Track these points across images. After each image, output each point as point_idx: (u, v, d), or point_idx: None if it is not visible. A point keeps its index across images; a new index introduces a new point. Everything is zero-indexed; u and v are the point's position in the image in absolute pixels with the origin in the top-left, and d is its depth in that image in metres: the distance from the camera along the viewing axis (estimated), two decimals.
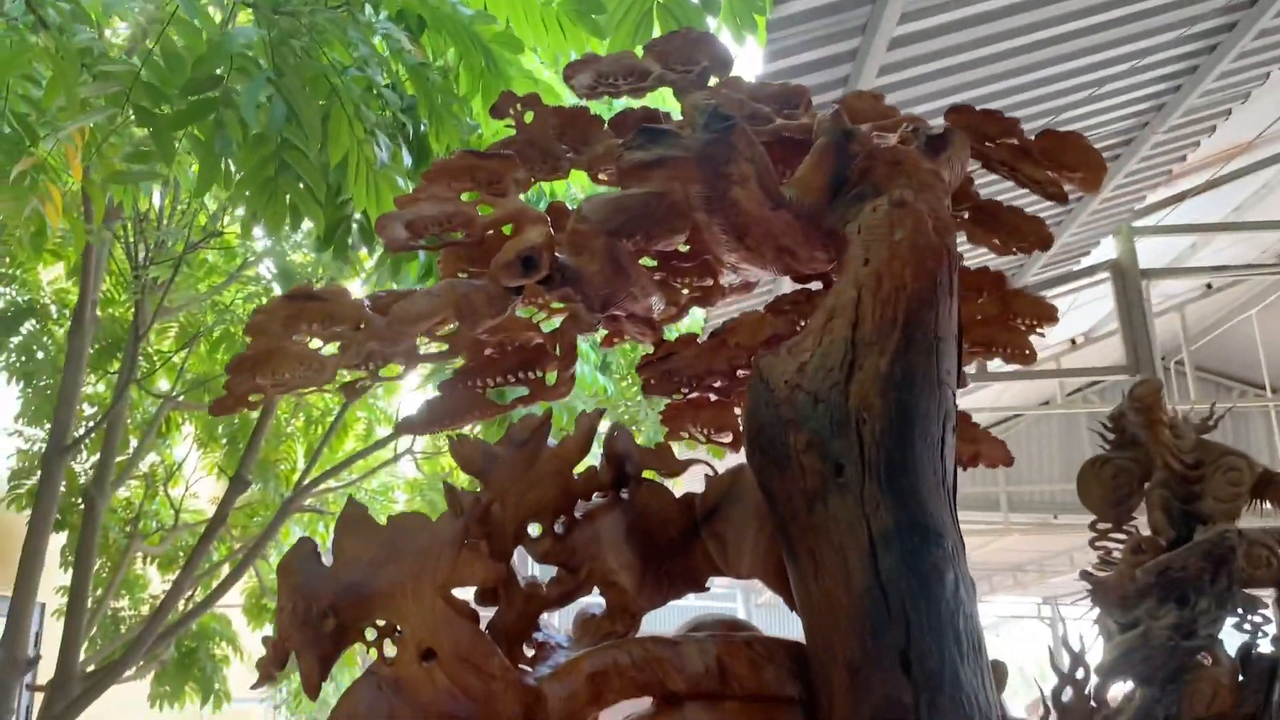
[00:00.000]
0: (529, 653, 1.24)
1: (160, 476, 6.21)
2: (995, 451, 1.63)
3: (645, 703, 1.20)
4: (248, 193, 2.20)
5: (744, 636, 1.21)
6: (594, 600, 1.30)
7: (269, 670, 1.16)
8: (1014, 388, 9.56)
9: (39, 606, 6.46)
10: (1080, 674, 2.68)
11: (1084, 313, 8.75)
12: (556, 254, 1.30)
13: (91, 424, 4.74)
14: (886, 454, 1.14)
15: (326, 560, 1.16)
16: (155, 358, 5.65)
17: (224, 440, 6.03)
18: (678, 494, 1.35)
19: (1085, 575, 2.75)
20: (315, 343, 1.29)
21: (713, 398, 1.55)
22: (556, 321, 1.40)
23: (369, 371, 1.29)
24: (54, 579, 5.16)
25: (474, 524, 1.17)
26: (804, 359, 1.22)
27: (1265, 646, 2.65)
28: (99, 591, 5.15)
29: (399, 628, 1.14)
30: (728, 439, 1.55)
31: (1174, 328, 9.17)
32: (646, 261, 1.49)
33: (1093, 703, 2.65)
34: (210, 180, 2.16)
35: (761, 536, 1.27)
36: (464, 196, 1.33)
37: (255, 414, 5.05)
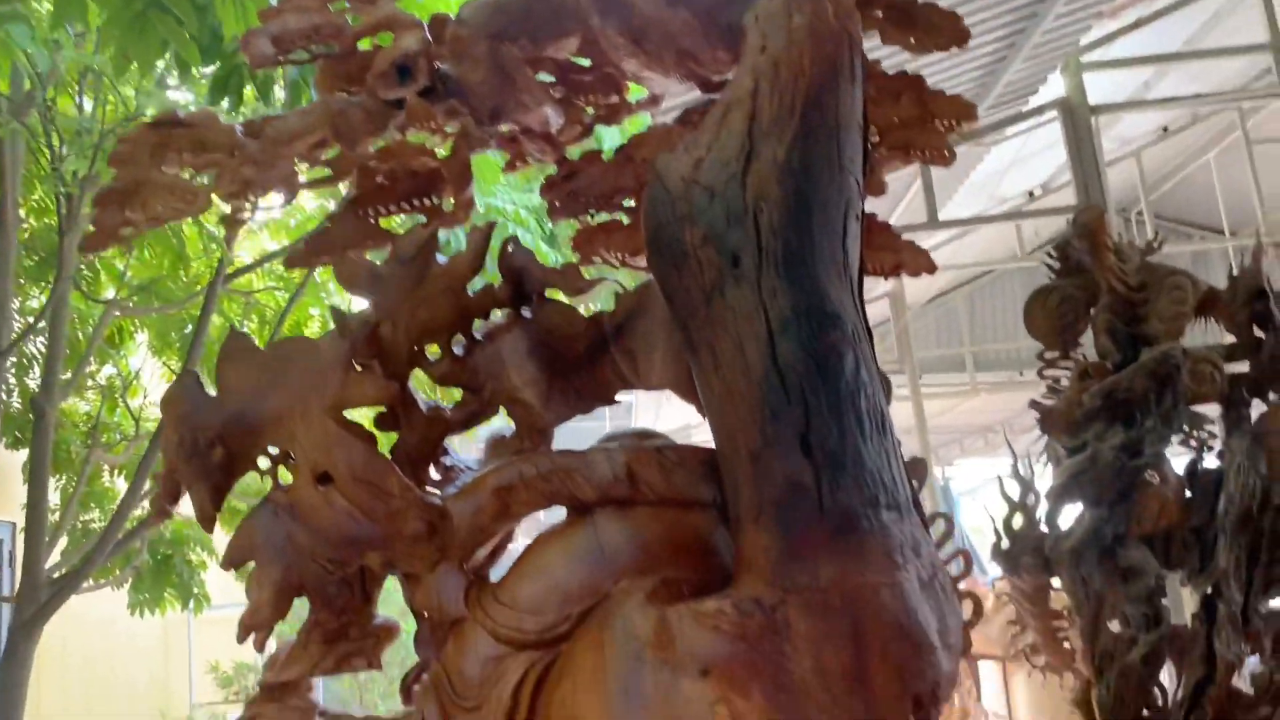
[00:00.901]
0: (436, 478, 1.22)
1: (118, 387, 6.14)
2: (918, 260, 1.59)
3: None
4: (117, 33, 2.09)
5: (654, 444, 1.19)
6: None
7: (163, 506, 1.12)
8: (975, 245, 9.54)
9: (9, 525, 6.45)
10: (1030, 500, 2.71)
11: (1042, 162, 8.67)
12: (438, 64, 1.23)
13: (28, 329, 4.62)
14: (784, 243, 1.10)
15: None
16: (100, 265, 5.51)
17: (178, 346, 5.94)
18: None
19: (1034, 404, 2.76)
20: (187, 173, 1.22)
21: (625, 220, 1.50)
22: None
23: (248, 202, 1.23)
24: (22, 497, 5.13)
25: (362, 345, 1.13)
26: (700, 154, 1.17)
27: (1211, 462, 2.68)
28: (67, 505, 5.13)
29: (291, 454, 1.10)
30: (642, 263, 1.50)
31: (1132, 178, 9.13)
32: (546, 78, 1.42)
33: (1043, 527, 2.69)
34: (68, 12, 2.04)
35: (670, 346, 1.24)
36: (333, 6, 1.24)
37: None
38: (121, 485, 6.19)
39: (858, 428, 1.03)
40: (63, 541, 4.99)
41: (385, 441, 1.17)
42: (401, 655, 1.54)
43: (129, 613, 6.00)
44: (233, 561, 1.09)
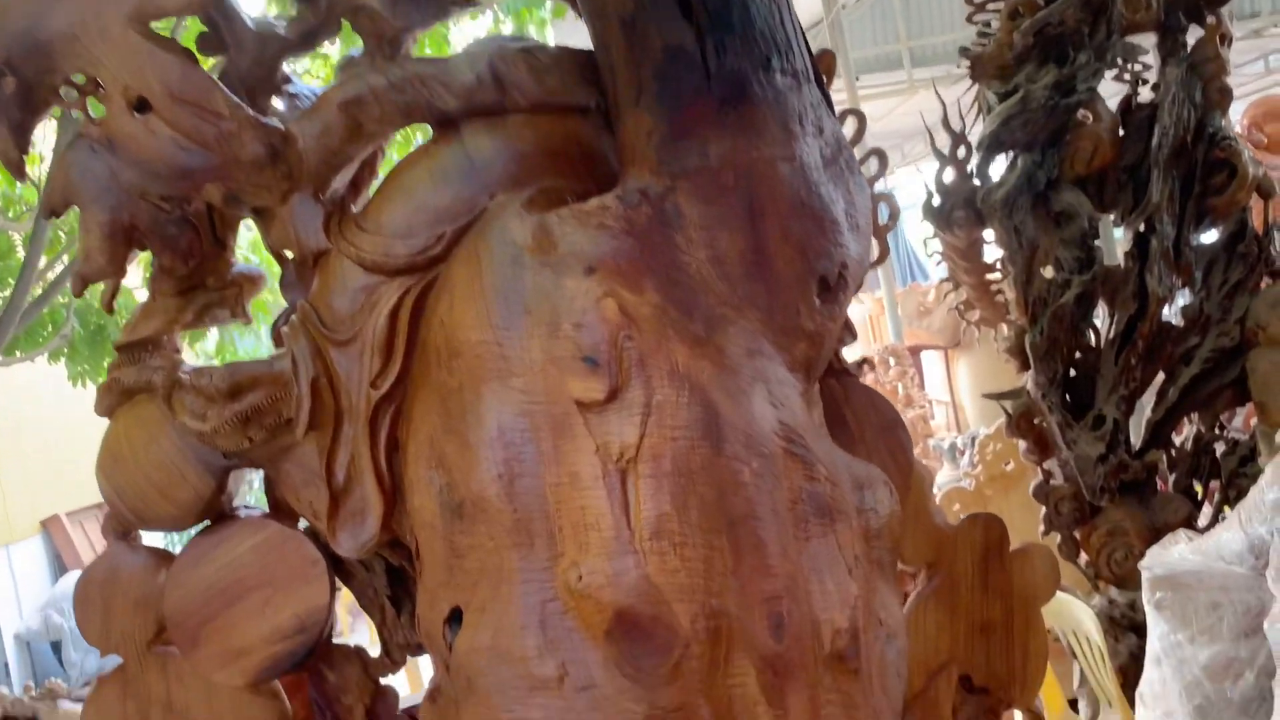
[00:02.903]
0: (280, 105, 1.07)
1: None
2: None
3: None
4: None
5: (521, 44, 1.04)
6: None
7: None
8: None
9: None
10: (961, 152, 2.62)
11: None
12: None
13: None
14: None
15: None
16: None
17: None
18: None
19: (963, 51, 2.61)
20: None
21: None
22: None
23: None
24: None
25: None
26: None
27: (1145, 96, 2.58)
28: None
29: (100, 80, 0.95)
30: None
31: None
32: None
33: (975, 180, 2.61)
34: None
35: None
36: None
37: None
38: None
39: None
40: None
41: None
42: None
43: (71, 384, 5.92)
44: (50, 207, 0.96)
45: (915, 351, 6.89)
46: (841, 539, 0.95)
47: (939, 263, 2.80)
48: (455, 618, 0.90)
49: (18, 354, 4.62)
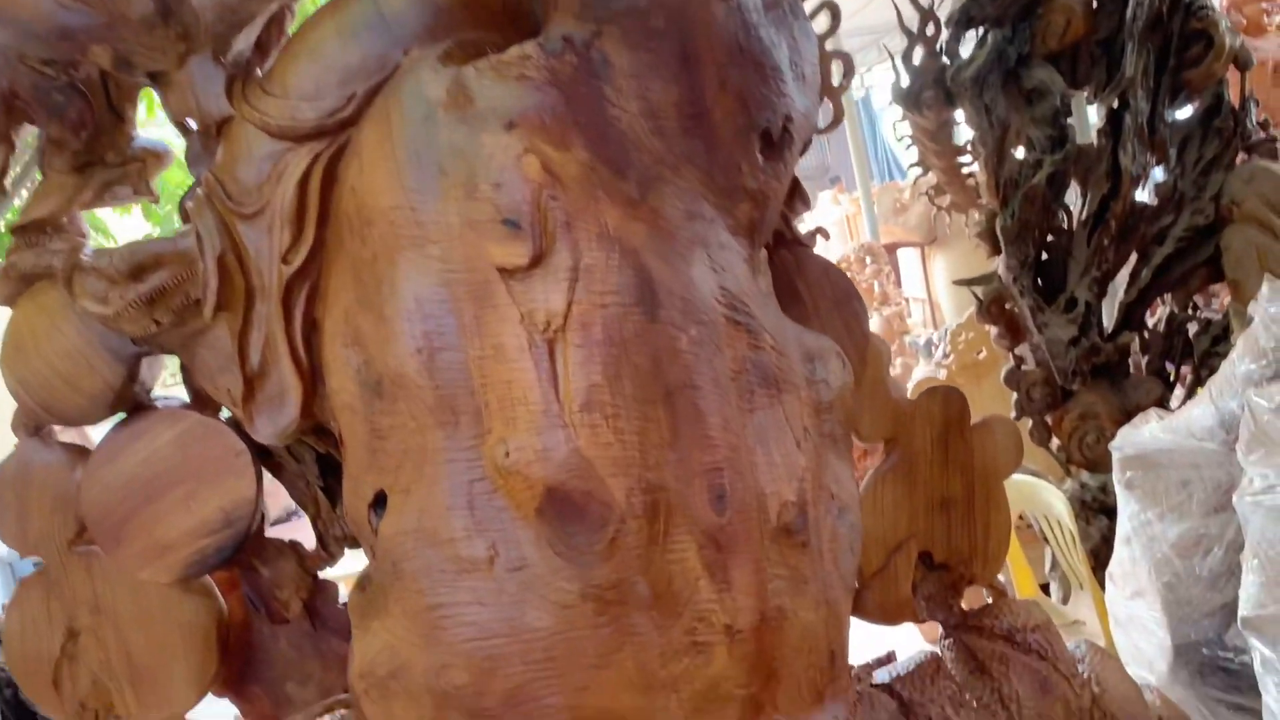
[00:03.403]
0: None
1: None
2: None
3: None
4: None
5: None
6: None
7: None
8: None
9: None
10: (929, 30, 2.52)
11: None
12: None
13: None
14: None
15: None
16: None
17: None
18: None
19: None
20: None
21: None
22: None
23: None
24: None
25: None
26: None
27: None
28: None
29: None
30: None
31: None
32: None
33: (944, 58, 2.52)
34: None
35: None
36: None
37: None
38: None
39: None
40: None
41: None
42: None
43: None
44: None
45: (892, 249, 6.83)
46: (789, 410, 0.90)
47: (909, 148, 2.72)
48: (380, 502, 0.85)
49: None
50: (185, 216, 0.96)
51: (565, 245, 0.80)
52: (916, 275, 7.00)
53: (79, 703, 1.07)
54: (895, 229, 6.82)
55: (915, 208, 6.63)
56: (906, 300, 6.64)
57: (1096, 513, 2.48)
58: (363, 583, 0.89)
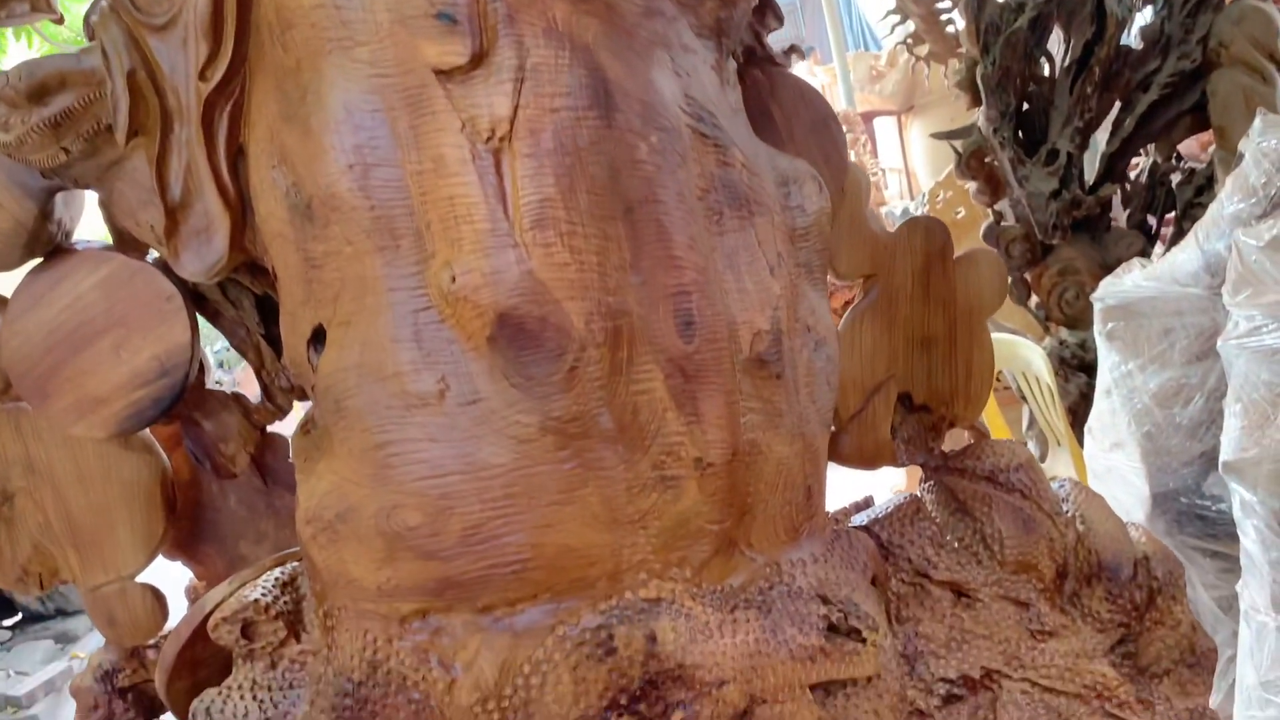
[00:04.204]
0: None
1: None
2: None
3: None
4: None
5: None
6: None
7: None
8: None
9: None
10: None
11: None
12: None
13: None
14: None
15: None
16: None
17: None
18: None
19: None
20: None
21: None
22: None
23: None
24: None
25: None
26: None
27: None
28: None
29: None
30: None
31: None
32: None
33: None
34: None
35: None
36: None
37: None
38: None
39: None
40: None
41: None
42: None
43: None
44: None
45: (868, 118, 6.69)
46: (761, 234, 0.83)
47: (882, 19, 2.60)
48: (319, 337, 0.79)
49: None
50: (90, 33, 0.87)
51: (508, 42, 0.72)
52: (893, 145, 6.88)
53: (20, 568, 1.02)
54: (871, 97, 6.66)
55: (891, 76, 6.48)
56: (883, 171, 6.53)
57: (1075, 370, 2.45)
58: (306, 426, 0.83)
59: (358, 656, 0.78)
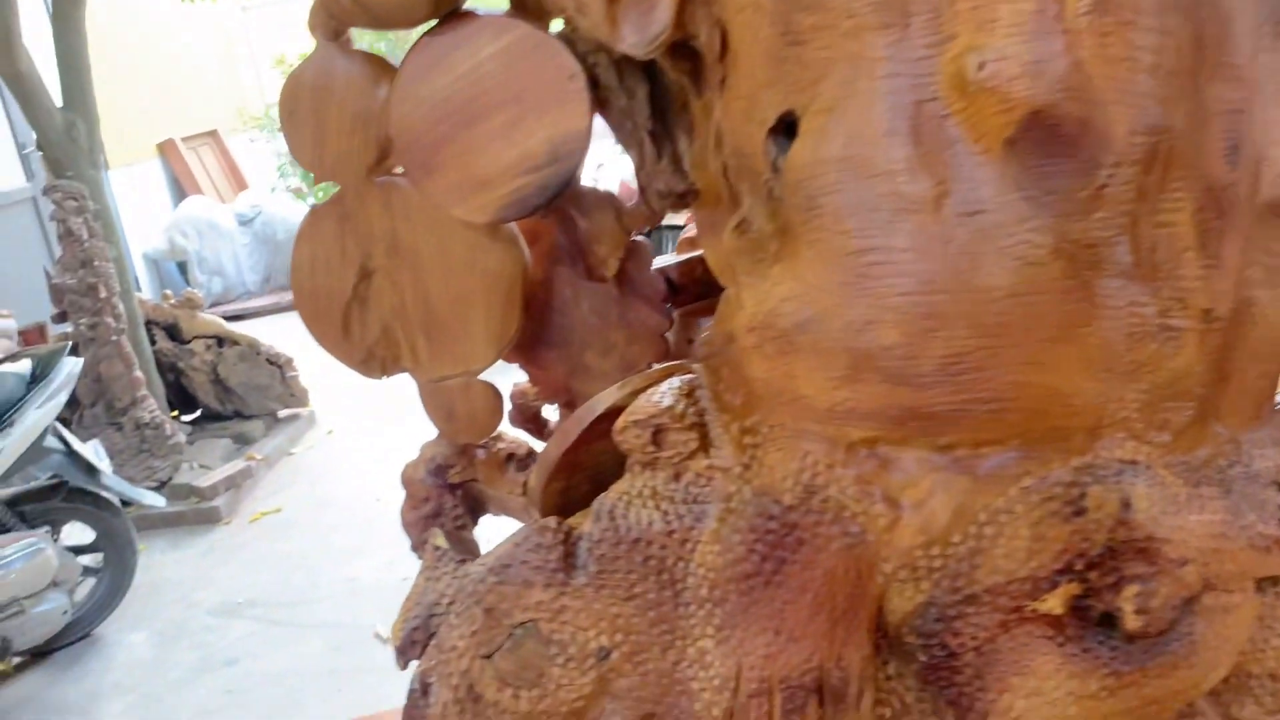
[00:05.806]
0: None
1: None
2: None
3: None
4: None
5: None
6: None
7: None
8: None
9: None
10: None
11: None
12: None
13: None
14: None
15: None
16: None
17: None
18: None
19: None
20: None
21: None
22: None
23: None
24: None
25: None
26: None
27: None
28: None
29: None
30: None
31: None
32: None
33: None
34: None
35: None
36: None
37: None
38: None
39: None
40: None
41: None
42: None
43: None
44: None
45: None
46: None
47: None
48: (784, 129, 0.70)
49: None
50: None
51: None
52: None
53: (367, 349, 0.99)
54: None
55: None
56: None
57: None
58: (741, 224, 0.75)
59: (792, 479, 0.72)
